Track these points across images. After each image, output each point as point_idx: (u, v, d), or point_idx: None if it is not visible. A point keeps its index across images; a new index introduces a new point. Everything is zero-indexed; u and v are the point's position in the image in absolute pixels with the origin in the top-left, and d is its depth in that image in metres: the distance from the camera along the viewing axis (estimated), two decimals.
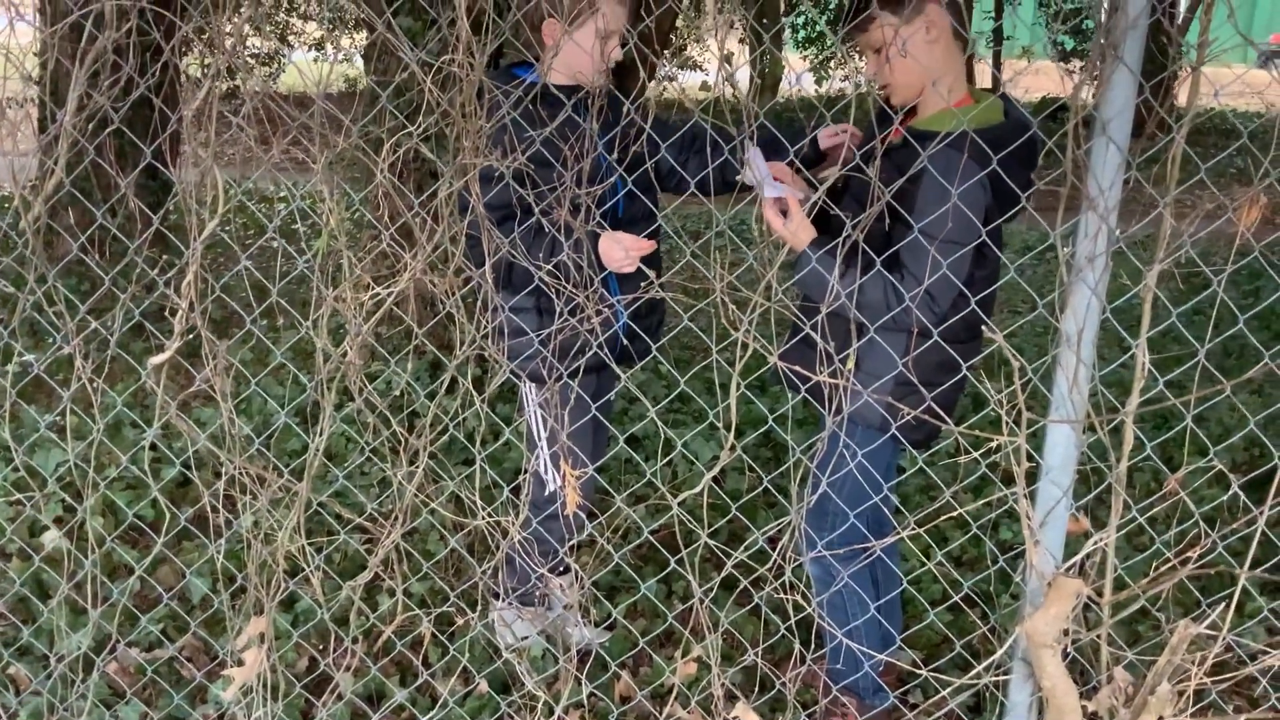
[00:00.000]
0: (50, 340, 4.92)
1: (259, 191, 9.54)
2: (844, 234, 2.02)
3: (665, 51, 5.12)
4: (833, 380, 2.14)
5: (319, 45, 15.26)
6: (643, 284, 2.43)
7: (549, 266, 2.30)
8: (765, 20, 14.92)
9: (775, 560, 2.13)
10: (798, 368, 2.26)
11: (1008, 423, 1.88)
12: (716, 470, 2.08)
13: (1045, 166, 2.00)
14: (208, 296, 2.16)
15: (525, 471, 2.66)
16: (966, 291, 2.10)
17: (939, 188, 2.02)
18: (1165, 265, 1.77)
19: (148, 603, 3.06)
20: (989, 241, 2.13)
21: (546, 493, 2.67)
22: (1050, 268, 1.76)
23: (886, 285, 2.12)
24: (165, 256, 3.64)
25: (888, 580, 2.65)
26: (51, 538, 3.11)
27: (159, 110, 2.35)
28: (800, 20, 16.61)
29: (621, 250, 2.34)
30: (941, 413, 2.19)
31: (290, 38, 16.68)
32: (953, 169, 2.01)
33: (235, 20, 2.05)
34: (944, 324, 2.16)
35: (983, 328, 2.22)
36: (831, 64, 14.72)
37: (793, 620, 2.36)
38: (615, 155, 2.40)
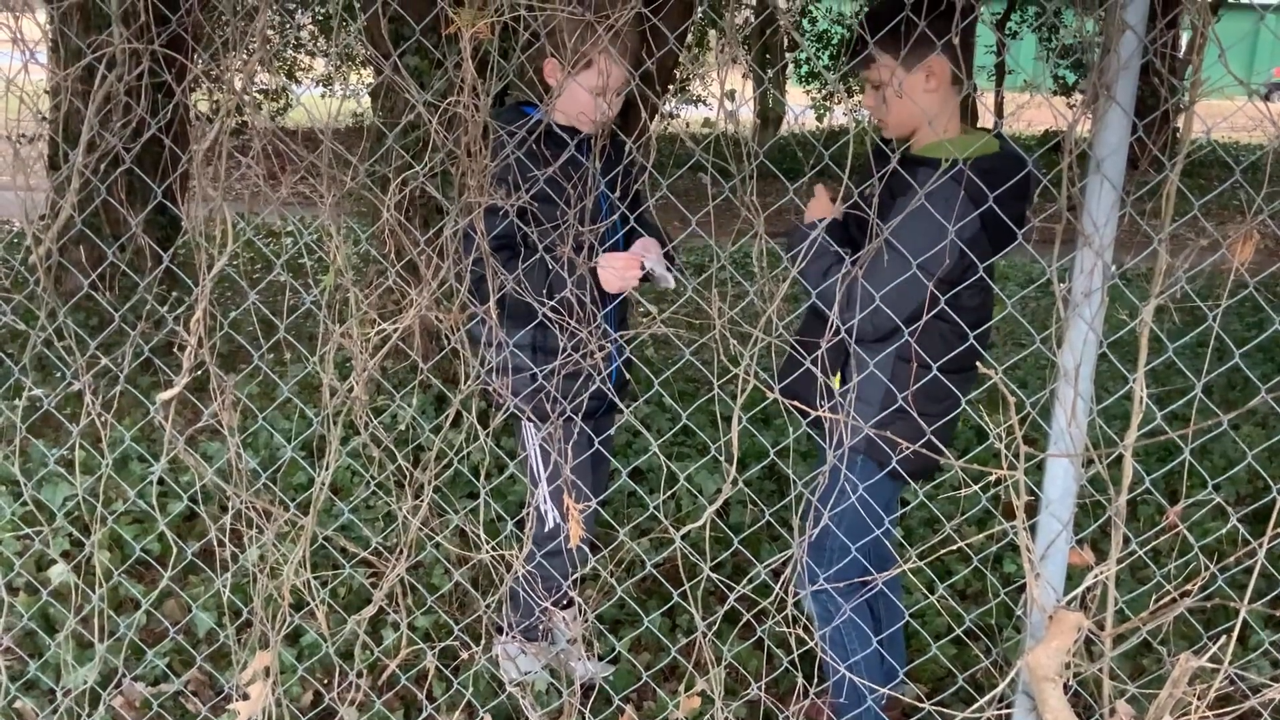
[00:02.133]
0: (59, 375, 4.95)
1: (266, 226, 9.60)
2: (848, 260, 2.06)
3: (668, 87, 5.17)
4: (831, 413, 2.16)
5: (326, 81, 15.41)
6: (644, 319, 2.45)
7: (551, 303, 2.33)
8: (769, 56, 15.03)
9: (778, 593, 2.14)
10: (797, 395, 2.28)
11: (1007, 456, 1.89)
12: (719, 503, 2.10)
13: (1042, 202, 2.02)
14: (216, 332, 2.19)
15: (528, 506, 2.67)
16: (961, 323, 2.12)
17: (924, 210, 2.04)
18: (1162, 300, 1.79)
19: (154, 637, 3.07)
20: (983, 274, 2.15)
21: (546, 529, 2.68)
22: (1053, 300, 1.78)
23: (841, 279, 2.14)
24: (175, 293, 3.67)
25: (890, 614, 2.66)
26: (59, 572, 3.13)
27: (169, 148, 2.39)
28: (803, 55, 16.75)
29: (613, 273, 2.36)
30: (936, 442, 2.20)
31: (298, 73, 16.86)
32: (948, 199, 2.04)
33: (244, 58, 2.09)
34: (883, 339, 2.19)
35: (978, 362, 2.23)
36: (833, 99, 14.86)
37: (796, 654, 2.37)
38: (617, 193, 2.44)
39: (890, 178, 2.13)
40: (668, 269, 2.41)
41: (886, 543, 2.50)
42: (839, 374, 2.31)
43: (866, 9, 2.27)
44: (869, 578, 2.35)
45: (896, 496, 2.47)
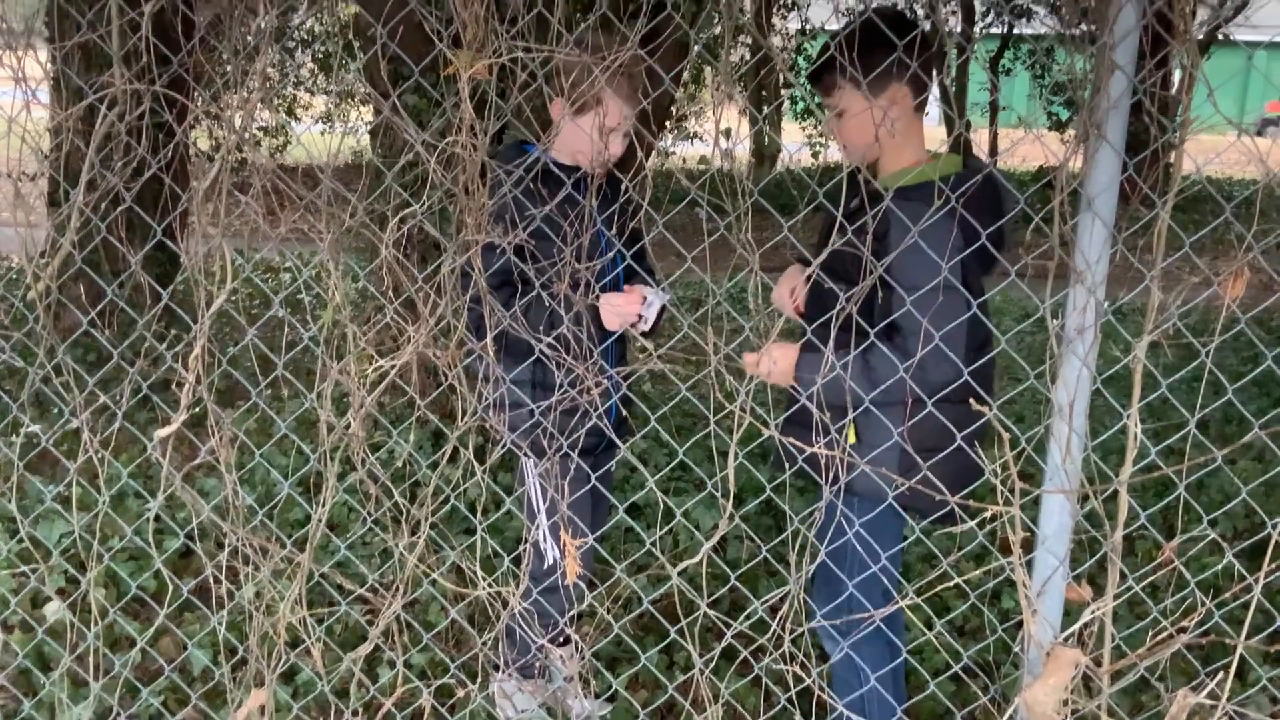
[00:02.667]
0: (56, 411, 4.95)
1: (265, 262, 9.63)
2: (834, 313, 2.03)
3: (665, 124, 5.22)
4: (830, 453, 2.14)
5: (326, 118, 15.51)
6: (641, 355, 2.46)
7: (548, 340, 2.34)
8: (765, 93, 15.16)
9: (775, 630, 2.14)
10: (795, 441, 2.24)
11: (1003, 492, 1.90)
12: (716, 539, 2.10)
13: (1035, 238, 2.04)
14: (214, 369, 2.19)
15: (525, 541, 2.67)
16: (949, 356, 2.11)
17: (912, 241, 2.02)
18: (1155, 336, 1.80)
19: (149, 674, 3.06)
20: (975, 305, 2.12)
21: (545, 565, 2.67)
22: (1048, 335, 1.79)
23: (892, 353, 2.10)
24: (173, 330, 3.68)
25: (892, 651, 2.65)
26: (54, 609, 3.11)
27: (169, 186, 2.41)
28: (798, 92, 16.89)
29: (612, 310, 2.38)
30: (941, 481, 2.16)
31: (297, 110, 16.97)
32: (944, 223, 2.02)
33: (245, 97, 2.11)
34: (960, 376, 2.10)
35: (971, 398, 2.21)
36: (828, 136, 14.94)
37: (793, 691, 2.36)
38: (614, 230, 2.45)
39: (869, 215, 2.11)
40: (659, 297, 2.42)
41: (897, 578, 2.48)
42: (853, 426, 2.26)
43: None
44: (879, 619, 2.31)
45: (897, 535, 2.45)
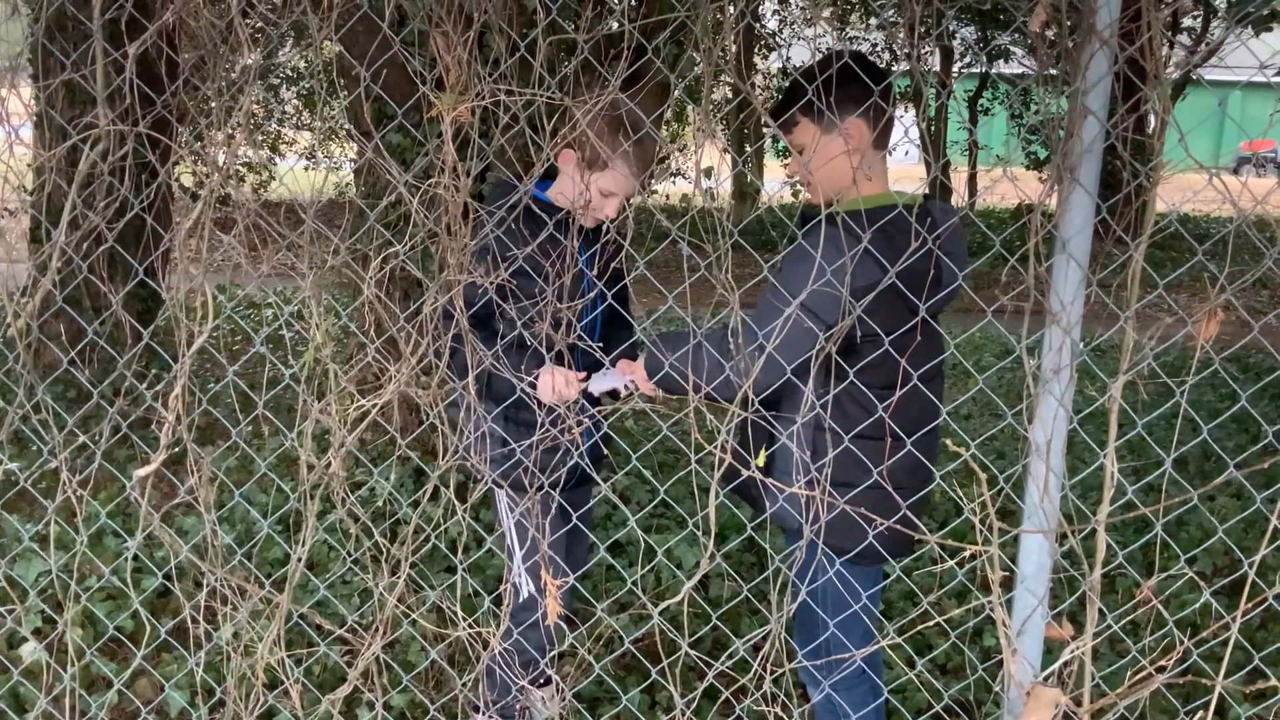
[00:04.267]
0: (34, 448, 4.91)
1: (247, 298, 9.61)
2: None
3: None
4: (761, 488, 2.14)
5: (310, 155, 15.54)
6: (624, 393, 2.46)
7: (530, 379, 2.34)
8: (747, 131, 15.28)
9: (757, 670, 2.13)
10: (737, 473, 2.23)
11: (982, 531, 1.90)
12: (699, 578, 2.10)
13: (1012, 277, 2.05)
14: (194, 408, 2.19)
15: (506, 581, 2.66)
16: (871, 389, 2.10)
17: (801, 250, 2.04)
18: (1130, 376, 1.82)
19: (126, 716, 3.02)
20: (894, 332, 2.10)
21: (520, 600, 2.66)
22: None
23: (723, 340, 2.11)
24: (154, 369, 3.67)
25: (875, 693, 2.64)
26: (30, 650, 3.08)
27: (150, 225, 2.41)
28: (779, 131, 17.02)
29: (559, 382, 2.37)
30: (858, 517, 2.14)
31: (281, 146, 16.99)
32: (836, 245, 2.02)
33: (229, 134, 2.13)
34: (767, 391, 2.12)
35: (927, 431, 2.22)
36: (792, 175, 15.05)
37: None
38: (595, 270, 2.47)
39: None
40: (616, 381, 2.43)
41: (878, 618, 2.47)
42: (764, 449, 2.27)
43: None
44: (868, 651, 2.30)
45: (873, 576, 2.43)
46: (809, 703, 2.53)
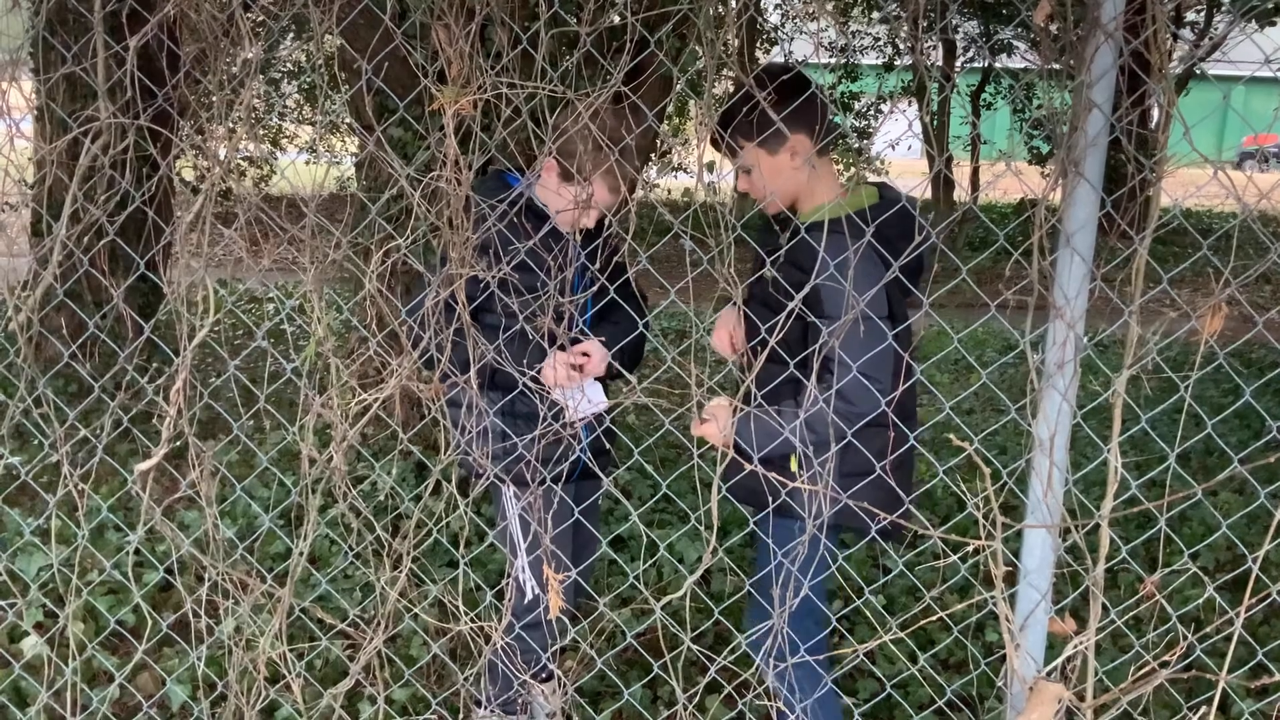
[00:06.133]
0: (36, 442, 4.91)
1: (248, 292, 9.61)
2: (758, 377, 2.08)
3: (649, 158, 5.25)
4: (795, 493, 2.15)
5: (311, 149, 15.46)
6: (625, 389, 2.46)
7: (533, 373, 2.34)
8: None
9: (759, 664, 2.13)
10: (751, 488, 2.24)
11: (985, 526, 1.90)
12: (701, 572, 2.09)
13: (1015, 273, 2.05)
14: (195, 402, 2.19)
15: (508, 575, 2.66)
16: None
17: (834, 274, 2.07)
18: (1134, 371, 1.82)
19: (127, 710, 3.02)
20: (891, 334, 2.15)
21: (525, 600, 2.66)
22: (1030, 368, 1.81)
23: (830, 398, 2.14)
24: (155, 363, 3.67)
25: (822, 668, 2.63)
26: (32, 644, 3.08)
27: (151, 218, 2.40)
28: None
29: (560, 369, 2.37)
30: (875, 502, 2.17)
31: (282, 141, 16.97)
32: (840, 250, 2.07)
33: (230, 127, 2.12)
34: (891, 400, 2.16)
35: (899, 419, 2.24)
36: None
37: None
38: (597, 265, 2.46)
39: (791, 252, 2.17)
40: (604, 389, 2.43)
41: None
42: (794, 457, 2.30)
43: (841, 78, 2.33)
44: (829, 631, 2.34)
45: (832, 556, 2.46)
46: (810, 697, 2.53)
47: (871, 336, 2.12)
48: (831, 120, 2.27)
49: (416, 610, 2.31)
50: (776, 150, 2.24)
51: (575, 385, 2.39)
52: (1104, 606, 1.91)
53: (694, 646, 2.25)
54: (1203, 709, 1.93)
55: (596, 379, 2.48)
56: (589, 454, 2.48)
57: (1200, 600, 2.69)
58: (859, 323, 2.09)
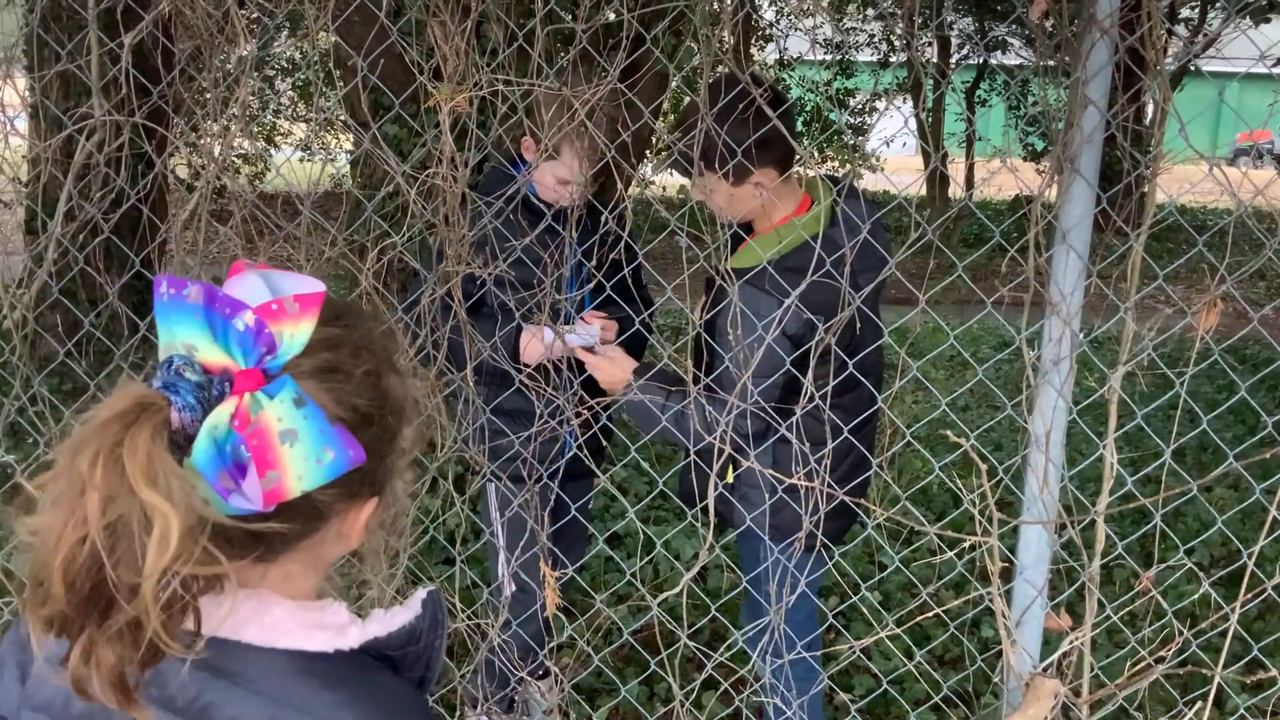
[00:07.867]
0: (30, 441, 4.90)
1: None
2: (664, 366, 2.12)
3: (646, 152, 5.24)
4: (726, 504, 2.15)
5: (305, 146, 15.42)
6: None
7: (527, 369, 2.33)
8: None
9: (756, 661, 2.13)
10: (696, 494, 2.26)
11: (981, 522, 1.90)
12: (697, 569, 2.10)
13: (1010, 269, 2.05)
14: None
15: (501, 574, 2.65)
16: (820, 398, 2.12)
17: (746, 322, 2.08)
18: (1129, 367, 1.82)
19: None
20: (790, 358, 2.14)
21: (503, 598, 2.65)
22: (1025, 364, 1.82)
23: (703, 409, 2.16)
24: (150, 361, 3.66)
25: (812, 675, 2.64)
26: None
27: (146, 215, 2.40)
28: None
29: (535, 346, 2.37)
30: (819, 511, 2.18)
31: (276, 138, 16.93)
32: (750, 304, 2.08)
33: (225, 125, 2.12)
34: (764, 440, 2.20)
35: (868, 421, 2.25)
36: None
37: None
38: (594, 262, 2.46)
39: (717, 293, 2.18)
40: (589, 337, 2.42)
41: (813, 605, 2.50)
42: (730, 469, 2.31)
43: (836, 74, 2.30)
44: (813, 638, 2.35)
45: (819, 561, 2.46)
46: (806, 695, 2.54)
47: (761, 390, 2.12)
48: (799, 141, 2.20)
49: None
50: (741, 183, 2.15)
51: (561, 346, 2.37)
52: (1100, 602, 1.92)
53: (690, 643, 2.25)
54: (1198, 704, 1.94)
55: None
56: (585, 451, 2.47)
57: (1195, 596, 2.69)
58: (753, 377, 2.09)
